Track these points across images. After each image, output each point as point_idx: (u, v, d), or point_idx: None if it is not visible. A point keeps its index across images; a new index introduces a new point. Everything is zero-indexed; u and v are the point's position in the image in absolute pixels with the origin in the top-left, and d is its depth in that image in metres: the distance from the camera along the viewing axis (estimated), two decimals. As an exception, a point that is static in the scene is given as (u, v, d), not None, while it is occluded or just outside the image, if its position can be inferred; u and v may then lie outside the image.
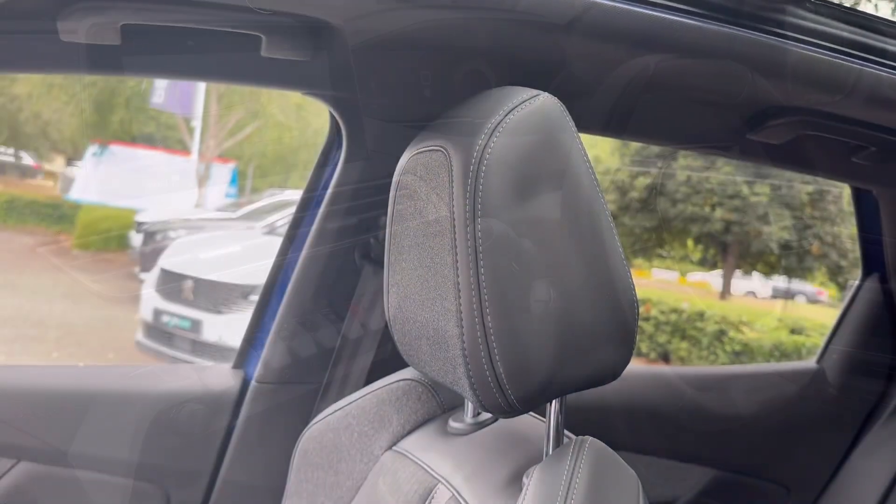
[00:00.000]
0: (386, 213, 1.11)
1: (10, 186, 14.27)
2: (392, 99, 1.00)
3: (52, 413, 1.03)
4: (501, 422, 0.83)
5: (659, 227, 14.50)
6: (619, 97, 0.97)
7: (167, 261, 5.29)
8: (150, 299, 5.10)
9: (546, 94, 0.67)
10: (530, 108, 0.66)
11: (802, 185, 14.01)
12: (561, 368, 0.64)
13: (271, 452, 1.10)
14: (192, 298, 4.92)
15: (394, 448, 0.86)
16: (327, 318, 1.12)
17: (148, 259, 7.76)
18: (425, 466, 0.80)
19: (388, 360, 0.97)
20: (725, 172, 13.84)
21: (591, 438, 0.67)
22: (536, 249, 0.64)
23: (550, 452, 0.68)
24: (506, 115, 0.65)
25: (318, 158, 1.15)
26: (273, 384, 1.11)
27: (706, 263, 17.12)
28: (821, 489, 1.48)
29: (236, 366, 1.18)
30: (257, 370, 1.11)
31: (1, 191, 12.65)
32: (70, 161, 17.73)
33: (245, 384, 1.13)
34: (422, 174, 0.71)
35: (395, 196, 0.75)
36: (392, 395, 0.88)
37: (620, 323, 0.67)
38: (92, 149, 14.04)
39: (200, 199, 12.71)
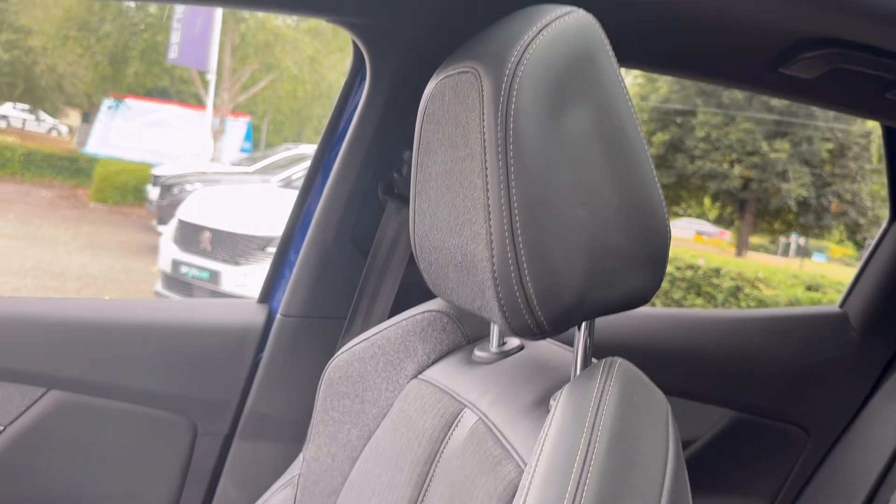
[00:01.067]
0: (410, 148, 1.11)
1: (27, 140, 14.34)
2: (421, 24, 0.98)
3: (81, 343, 1.04)
4: (526, 351, 0.83)
5: (676, 183, 14.38)
6: (649, 24, 0.95)
7: (185, 212, 5.31)
8: (169, 250, 5.14)
9: (580, 10, 0.66)
10: (564, 24, 0.64)
11: (823, 142, 13.81)
12: (591, 290, 0.64)
13: (296, 384, 1.11)
14: (210, 250, 4.96)
15: (419, 377, 0.86)
16: (351, 253, 1.12)
17: (165, 212, 7.80)
18: (451, 392, 0.80)
19: (411, 294, 0.97)
20: (744, 129, 13.67)
21: (620, 359, 0.67)
22: (569, 170, 0.63)
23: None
24: (538, 33, 0.63)
25: (341, 93, 1.13)
26: (298, 318, 1.11)
27: (722, 221, 17.01)
28: (840, 432, 1.48)
29: (261, 300, 1.19)
30: (282, 304, 1.11)
31: (18, 144, 12.68)
32: (85, 115, 17.74)
33: (270, 318, 1.14)
34: (450, 98, 0.69)
35: (423, 122, 0.75)
36: (417, 326, 0.88)
37: (652, 246, 0.66)
38: (107, 103, 14.03)
39: (216, 153, 12.71)
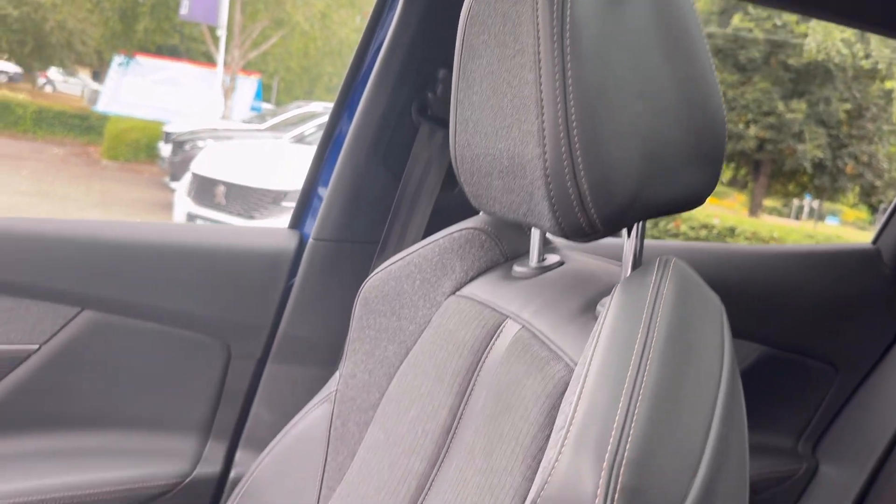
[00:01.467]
0: (445, 66, 1.09)
1: (38, 98, 14.30)
2: None
3: (114, 263, 1.04)
4: (568, 265, 0.82)
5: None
6: None
7: (199, 165, 5.30)
8: (184, 204, 5.15)
9: None
10: None
11: (840, 102, 13.60)
12: (645, 188, 0.62)
13: (329, 309, 1.11)
14: (224, 203, 4.96)
15: (457, 293, 0.85)
16: (383, 177, 1.10)
17: (177, 168, 7.80)
18: (491, 305, 0.79)
19: (444, 219, 0.96)
20: (761, 89, 13.46)
21: (675, 258, 0.66)
22: (627, 61, 0.61)
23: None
24: None
25: (374, 9, 1.10)
26: (330, 241, 1.10)
27: (736, 184, 16.87)
28: (868, 369, 1.47)
29: (292, 226, 1.18)
30: (314, 228, 1.10)
31: (30, 102, 12.65)
32: (95, 73, 17.66)
33: (302, 244, 1.13)
34: None
35: (466, 27, 0.72)
36: (454, 244, 0.87)
37: (709, 144, 0.65)
38: (118, 60, 13.94)
39: (226, 111, 12.64)
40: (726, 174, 16.42)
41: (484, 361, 0.77)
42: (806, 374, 1.46)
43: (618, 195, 0.62)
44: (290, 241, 1.14)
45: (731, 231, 7.31)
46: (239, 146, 6.81)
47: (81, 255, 1.03)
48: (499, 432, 0.67)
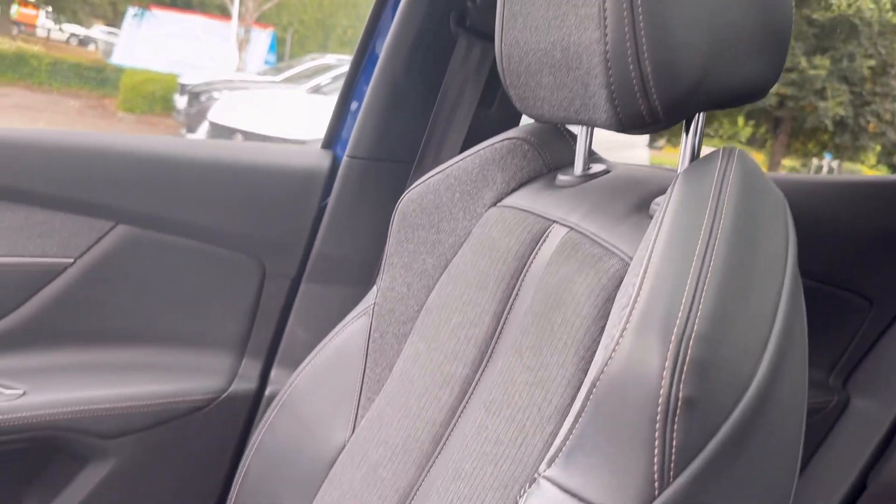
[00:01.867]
0: None
1: (53, 50, 14.22)
2: None
3: (149, 178, 1.03)
4: (615, 171, 0.80)
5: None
6: None
7: (217, 114, 5.28)
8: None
9: None
10: None
11: (865, 58, 13.31)
12: (710, 74, 0.60)
13: (363, 228, 1.10)
14: (242, 152, 4.94)
15: (498, 204, 0.84)
16: (420, 92, 1.08)
17: (193, 120, 7.76)
18: (536, 212, 0.78)
19: (481, 137, 0.94)
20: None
21: (738, 148, 0.64)
22: None
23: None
24: None
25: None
26: (364, 159, 1.09)
27: (755, 142, 16.64)
28: None
29: (325, 146, 1.16)
30: (349, 145, 1.08)
31: (45, 54, 12.59)
32: (110, 24, 17.53)
33: (335, 163, 1.11)
34: None
35: None
36: (496, 155, 0.85)
37: (775, 31, 0.62)
38: (132, 12, 13.83)
39: (241, 64, 12.54)
40: (745, 132, 16.19)
41: (529, 267, 0.75)
42: (840, 306, 1.44)
43: (682, 80, 0.59)
44: (323, 161, 1.13)
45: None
46: (256, 96, 6.76)
47: (116, 169, 1.02)
48: (549, 329, 0.66)
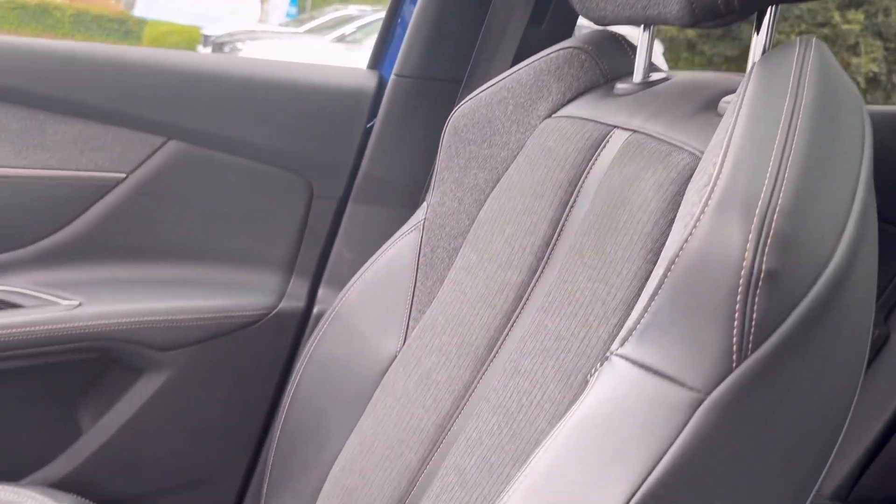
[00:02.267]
0: None
1: (76, 2, 14.21)
2: None
3: (200, 94, 1.03)
4: (676, 78, 0.79)
5: (741, 56, 13.72)
6: None
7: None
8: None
9: None
10: None
11: (901, 13, 12.94)
12: None
13: (411, 148, 1.10)
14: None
15: (554, 115, 0.83)
16: (468, 10, 1.06)
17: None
18: (594, 119, 0.77)
19: (531, 53, 0.92)
20: (817, -3, 12.85)
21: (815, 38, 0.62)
22: None
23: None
24: None
25: None
26: (412, 78, 1.08)
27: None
28: None
29: (371, 66, 1.16)
30: (396, 64, 1.08)
31: (68, 5, 12.59)
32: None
33: (382, 83, 1.11)
34: None
35: None
36: (551, 65, 0.83)
37: None
38: (153, -38, 13.72)
39: (263, 15, 12.46)
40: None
41: (588, 172, 0.75)
42: (887, 241, 1.42)
43: None
44: (369, 81, 1.12)
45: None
46: (281, 45, 6.72)
47: (169, 86, 1.02)
48: (612, 228, 0.65)
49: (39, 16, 12.04)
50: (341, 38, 6.99)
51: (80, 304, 0.99)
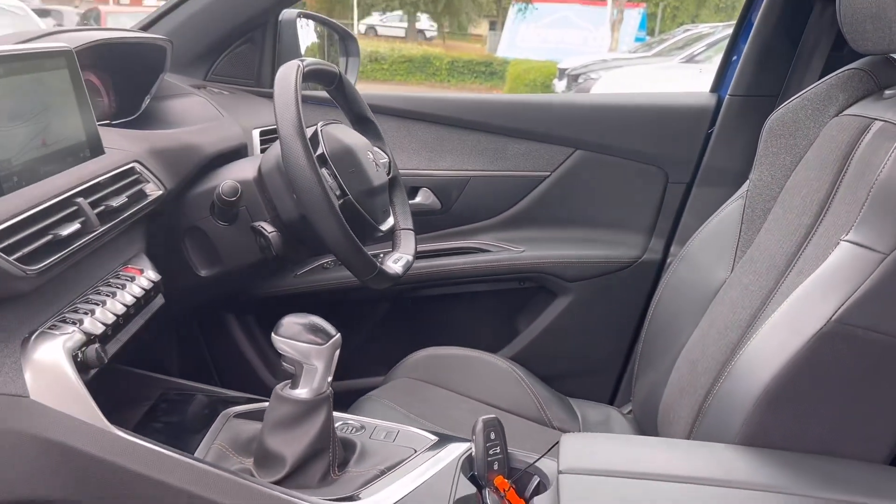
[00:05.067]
0: None
1: (451, 50, 16.37)
2: None
3: (595, 118, 1.61)
4: None
5: None
6: None
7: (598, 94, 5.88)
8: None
9: None
10: None
11: None
12: None
13: (739, 146, 1.55)
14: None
15: (838, 115, 1.22)
16: (784, 45, 1.48)
17: (573, 100, 8.47)
18: (863, 115, 1.15)
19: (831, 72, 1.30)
20: None
21: None
22: None
23: None
24: None
25: None
26: (741, 96, 1.53)
27: None
28: None
29: (713, 90, 1.64)
30: (730, 87, 1.54)
31: (444, 54, 14.56)
32: (492, 23, 19.52)
33: (719, 102, 1.58)
34: None
35: None
36: (839, 81, 1.22)
37: None
38: (515, 7, 15.27)
39: (614, 43, 13.13)
40: None
41: (855, 151, 1.13)
42: None
43: None
44: (709, 101, 1.60)
45: None
46: (631, 72, 7.25)
47: (576, 116, 1.63)
48: (865, 183, 1.05)
49: (422, 65, 14.16)
50: (690, 58, 7.29)
51: (523, 251, 1.63)
